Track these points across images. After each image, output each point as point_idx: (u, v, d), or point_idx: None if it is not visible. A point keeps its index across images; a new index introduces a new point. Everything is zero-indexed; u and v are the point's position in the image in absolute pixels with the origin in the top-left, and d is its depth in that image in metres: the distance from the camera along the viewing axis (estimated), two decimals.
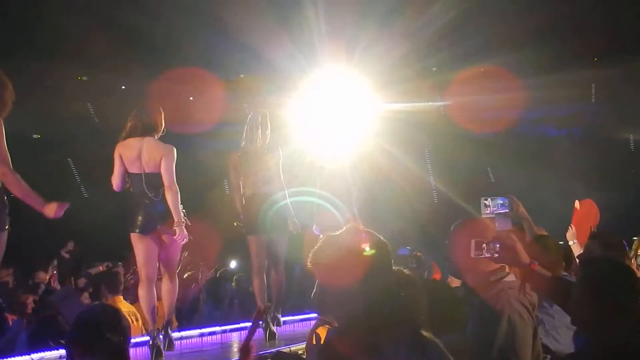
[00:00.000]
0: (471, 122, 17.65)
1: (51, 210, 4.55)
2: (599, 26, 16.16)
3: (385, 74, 13.97)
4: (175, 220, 5.33)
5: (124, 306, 6.69)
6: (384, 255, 2.30)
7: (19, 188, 4.50)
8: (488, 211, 3.44)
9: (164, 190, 5.44)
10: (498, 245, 2.99)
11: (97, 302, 4.12)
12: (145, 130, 5.55)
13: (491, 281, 3.26)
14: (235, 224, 6.83)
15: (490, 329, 3.09)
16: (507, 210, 3.40)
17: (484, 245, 3.00)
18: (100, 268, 8.78)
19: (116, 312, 2.97)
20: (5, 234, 4.70)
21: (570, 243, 5.59)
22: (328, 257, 2.25)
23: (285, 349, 5.51)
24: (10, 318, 7.11)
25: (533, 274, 3.03)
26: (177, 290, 5.88)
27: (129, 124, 5.60)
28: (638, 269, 4.93)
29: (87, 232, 12.11)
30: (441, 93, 18.52)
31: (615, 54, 16.90)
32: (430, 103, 18.49)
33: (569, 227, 5.83)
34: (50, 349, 5.66)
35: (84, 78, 19.50)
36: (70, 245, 10.79)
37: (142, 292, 5.56)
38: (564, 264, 4.58)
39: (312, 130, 8.56)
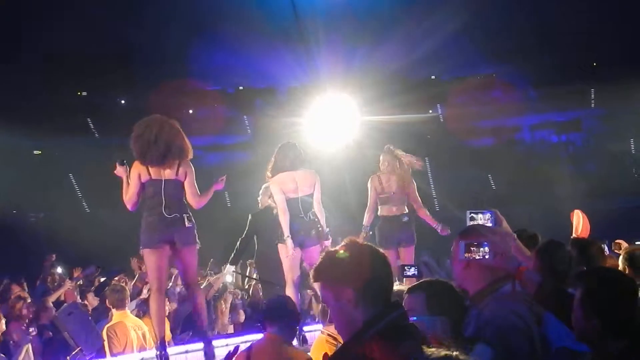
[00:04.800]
0: (470, 132, 17.66)
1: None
2: (596, 36, 16.22)
3: (382, 86, 14.01)
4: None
5: (130, 320, 6.60)
6: (381, 268, 2.31)
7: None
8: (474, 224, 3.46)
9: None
10: (487, 248, 2.99)
11: (277, 295, 5.06)
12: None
13: (488, 290, 3.19)
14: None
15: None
16: (492, 225, 3.40)
17: (473, 247, 2.92)
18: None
19: (290, 299, 4.59)
20: None
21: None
22: (328, 273, 2.27)
23: None
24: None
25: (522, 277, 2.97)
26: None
27: None
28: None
29: (88, 246, 12.09)
30: (440, 103, 18.55)
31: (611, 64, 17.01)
32: (430, 113, 18.53)
33: (571, 238, 5.76)
34: None
35: (84, 93, 19.56)
36: (53, 258, 10.71)
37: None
38: None
39: (310, 143, 8.60)
